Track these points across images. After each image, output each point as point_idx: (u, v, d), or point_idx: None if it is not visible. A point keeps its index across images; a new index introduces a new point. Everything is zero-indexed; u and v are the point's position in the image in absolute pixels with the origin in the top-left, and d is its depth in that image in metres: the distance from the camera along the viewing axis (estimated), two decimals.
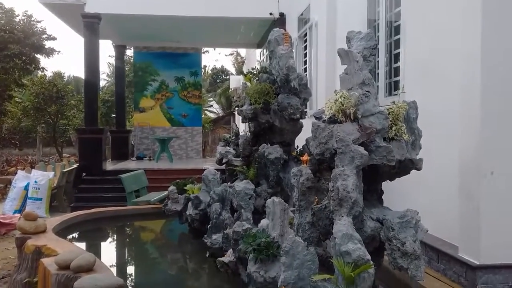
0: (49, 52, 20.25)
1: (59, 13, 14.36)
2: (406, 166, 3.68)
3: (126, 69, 22.48)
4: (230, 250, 4.85)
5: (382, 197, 3.96)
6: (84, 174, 12.88)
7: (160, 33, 16.50)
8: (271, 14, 13.45)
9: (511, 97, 4.21)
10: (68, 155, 25.00)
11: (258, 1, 13.31)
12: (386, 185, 3.97)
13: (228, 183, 6.50)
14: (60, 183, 12.25)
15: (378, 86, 6.43)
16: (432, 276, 4.55)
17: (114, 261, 6.06)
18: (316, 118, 4.18)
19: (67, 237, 6.70)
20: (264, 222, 4.27)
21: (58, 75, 27.20)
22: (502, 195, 4.15)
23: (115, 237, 7.85)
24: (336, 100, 3.67)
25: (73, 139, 26.35)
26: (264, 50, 17.01)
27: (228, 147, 7.45)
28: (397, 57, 6.44)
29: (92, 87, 13.49)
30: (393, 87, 6.62)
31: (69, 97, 22.49)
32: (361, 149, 3.46)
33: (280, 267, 3.45)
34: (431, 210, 4.74)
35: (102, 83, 29.77)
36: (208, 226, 5.86)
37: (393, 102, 3.86)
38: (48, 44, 20.29)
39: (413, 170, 3.74)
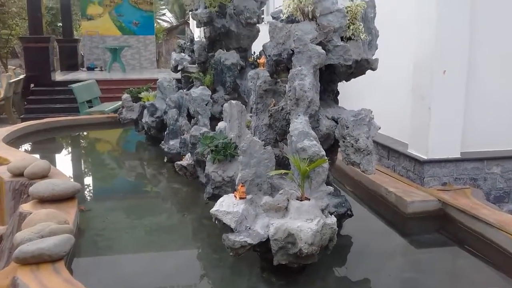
0: None
1: None
2: (362, 66, 3.69)
3: None
4: (188, 154, 4.89)
5: (338, 97, 4.02)
6: (33, 85, 12.38)
7: None
8: None
9: (465, 2, 4.21)
10: (14, 67, 23.78)
11: None
12: (341, 85, 4.01)
13: (184, 90, 6.42)
14: (7, 95, 11.77)
15: None
16: (382, 172, 4.78)
17: (70, 170, 6.00)
18: (274, 18, 4.08)
19: (19, 147, 6.54)
20: (221, 124, 4.28)
21: None
22: (452, 93, 4.29)
23: (69, 148, 7.74)
24: None
25: (17, 50, 24.93)
26: None
27: (183, 54, 7.25)
28: None
29: None
30: None
31: (10, 4, 20.92)
32: (319, 48, 3.42)
33: (238, 166, 3.51)
34: (385, 110, 4.88)
35: None
36: (165, 133, 5.84)
37: (351, 1, 3.78)
38: None
39: (368, 70, 3.77)
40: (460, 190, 4.27)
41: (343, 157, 3.46)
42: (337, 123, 3.54)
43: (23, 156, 5.26)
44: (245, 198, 3.13)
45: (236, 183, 3.40)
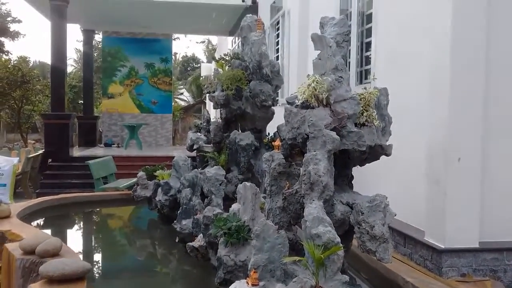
0: (14, 35, 19.72)
1: None
2: (376, 152, 3.73)
3: (95, 54, 22.02)
4: (200, 235, 4.84)
5: (352, 182, 4.02)
6: (50, 160, 12.60)
7: (130, 18, 16.17)
8: (243, 1, 13.40)
9: (478, 88, 4.31)
10: (33, 141, 24.39)
11: None
12: (356, 170, 4.02)
13: (199, 169, 6.48)
14: (25, 169, 11.94)
15: (349, 74, 6.50)
16: (399, 260, 4.65)
17: (81, 247, 5.96)
18: (289, 103, 4.19)
19: (32, 223, 6.55)
20: (235, 206, 4.27)
21: (23, 59, 26.37)
22: (467, 181, 4.26)
23: (82, 224, 7.73)
24: (309, 85, 3.68)
25: (38, 125, 25.72)
26: (236, 38, 16.94)
27: (199, 133, 7.40)
28: (368, 45, 6.50)
29: (59, 72, 13.15)
30: (364, 75, 6.69)
31: (34, 82, 21.89)
32: (333, 134, 3.48)
33: (251, 251, 3.46)
34: (399, 195, 4.83)
35: (69, 69, 29.09)
36: (178, 212, 5.83)
37: (365, 89, 3.90)
38: (13, 27, 19.68)
39: (382, 155, 3.80)
40: (480, 282, 4.11)
41: (359, 244, 3.39)
42: (352, 209, 3.51)
43: (36, 233, 5.25)
44: (258, 285, 3.05)
45: (249, 268, 3.33)
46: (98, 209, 8.29)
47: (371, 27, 6.34)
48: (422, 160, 4.69)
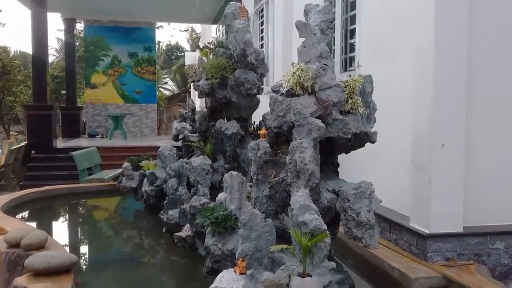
0: None
1: None
2: (361, 139, 3.75)
3: (77, 43, 21.68)
4: (187, 225, 4.84)
5: (338, 169, 4.04)
6: (34, 152, 12.46)
7: (112, 6, 15.96)
8: None
9: (461, 73, 4.34)
10: (16, 132, 24.05)
11: None
12: (342, 158, 4.04)
13: (185, 159, 6.45)
14: (8, 161, 11.82)
15: (334, 62, 6.50)
16: (385, 245, 4.70)
17: (67, 240, 5.92)
18: (274, 91, 4.19)
19: (17, 216, 6.48)
20: (221, 195, 4.27)
21: (3, 49, 25.90)
22: (452, 166, 4.31)
23: (67, 216, 7.67)
24: (293, 73, 3.67)
25: (20, 116, 25.34)
26: (220, 26, 16.81)
27: (184, 123, 7.37)
28: (352, 33, 6.50)
29: (40, 62, 12.95)
30: (348, 63, 6.70)
31: (15, 73, 21.53)
32: (318, 121, 3.49)
33: (238, 239, 3.47)
34: (385, 182, 4.88)
35: (51, 58, 28.64)
36: (165, 202, 5.81)
37: (349, 76, 3.91)
38: None
39: (368, 142, 3.82)
40: (465, 266, 4.18)
41: (345, 231, 3.42)
42: (338, 196, 3.53)
43: (21, 226, 5.20)
44: (245, 273, 3.06)
45: (236, 257, 3.34)
46: (83, 201, 8.23)
47: (355, 14, 6.34)
48: (407, 146, 4.72)
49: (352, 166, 4.78)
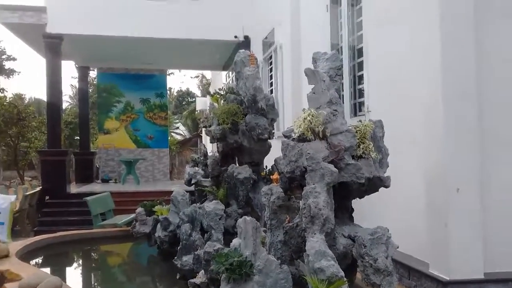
0: (9, 73, 19.81)
1: (19, 33, 14.04)
2: (374, 184, 3.75)
3: (90, 90, 22.11)
4: (202, 271, 4.77)
5: (353, 214, 4.01)
6: (48, 197, 12.51)
7: (124, 55, 16.35)
8: (235, 37, 13.61)
9: (472, 117, 4.36)
10: (30, 178, 24.23)
11: (223, 25, 13.42)
12: (356, 202, 4.02)
13: (198, 204, 6.44)
14: (22, 207, 11.83)
15: (344, 108, 6.56)
16: None
17: (81, 286, 5.86)
18: (285, 136, 4.22)
19: (31, 261, 6.45)
20: (235, 241, 4.22)
21: (18, 97, 26.52)
22: (468, 210, 4.25)
23: (81, 261, 7.61)
24: (304, 118, 3.72)
25: (35, 162, 25.58)
26: (230, 73, 17.13)
27: (196, 168, 7.39)
28: (360, 79, 6.59)
29: (55, 109, 13.20)
30: (358, 108, 6.76)
31: (30, 119, 21.89)
32: (331, 166, 3.50)
33: (253, 286, 3.42)
34: (401, 227, 4.81)
35: (64, 105, 29.16)
36: (178, 248, 5.75)
37: (360, 121, 3.94)
38: (8, 64, 19.81)
39: (381, 187, 3.81)
40: None
41: (362, 277, 3.37)
42: (354, 242, 3.50)
43: (35, 272, 5.17)
44: None
45: None
46: (97, 246, 8.18)
47: (362, 61, 6.44)
48: (421, 191, 4.69)
49: (367, 210, 4.74)
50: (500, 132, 4.52)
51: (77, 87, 19.56)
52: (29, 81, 59.56)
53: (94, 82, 23.54)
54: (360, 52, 6.59)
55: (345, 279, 3.05)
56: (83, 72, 18.25)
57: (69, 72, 32.52)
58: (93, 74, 24.12)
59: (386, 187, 3.78)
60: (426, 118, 4.63)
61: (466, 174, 4.27)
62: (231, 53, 14.66)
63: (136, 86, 18.64)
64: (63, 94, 15.96)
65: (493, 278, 4.30)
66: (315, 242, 3.26)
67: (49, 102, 13.26)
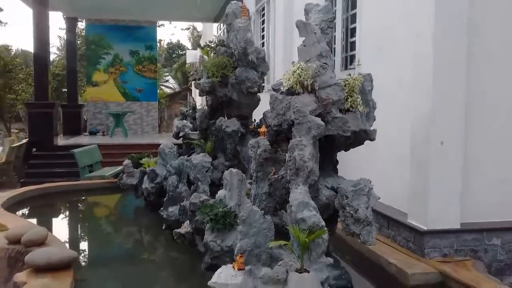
0: None
1: None
2: (360, 137, 3.78)
3: (78, 42, 21.67)
4: (187, 222, 4.87)
5: (337, 167, 4.06)
6: (35, 149, 12.46)
7: (113, 5, 15.94)
8: None
9: (460, 72, 4.36)
10: (17, 130, 24.09)
11: None
12: (341, 155, 4.06)
13: (185, 157, 6.48)
14: (9, 159, 11.83)
15: (334, 60, 6.51)
16: (383, 242, 4.73)
17: (67, 236, 5.94)
18: (274, 90, 4.20)
19: (17, 212, 6.51)
20: (221, 193, 4.30)
21: (5, 48, 25.98)
22: (449, 163, 4.33)
23: (67, 212, 7.69)
24: (294, 71, 3.70)
25: (22, 114, 25.37)
26: (222, 25, 16.82)
27: (185, 121, 7.40)
28: (353, 31, 6.52)
29: (42, 60, 12.94)
30: (349, 61, 6.72)
31: (17, 71, 21.55)
32: (318, 119, 3.51)
33: (237, 236, 3.50)
34: (384, 179, 4.90)
35: (52, 57, 28.65)
36: (165, 199, 5.84)
37: (349, 75, 3.93)
38: None
39: (367, 140, 3.84)
40: (461, 262, 4.21)
41: (343, 227, 3.45)
42: (337, 193, 3.56)
43: (21, 222, 5.23)
44: (244, 269, 3.09)
45: (235, 253, 3.37)
46: (83, 198, 8.26)
47: (356, 13, 6.35)
48: (406, 144, 4.75)
49: (351, 163, 4.81)
50: (487, 87, 4.55)
51: (65, 38, 19.15)
52: (15, 32, 58.20)
53: (82, 33, 23.08)
54: (354, 4, 6.48)
55: (325, 228, 3.13)
56: (71, 23, 17.83)
57: (56, 23, 31.86)
58: (81, 25, 23.63)
59: (372, 140, 3.81)
60: (415, 72, 4.63)
61: (450, 128, 4.32)
62: (223, 4, 14.32)
63: (125, 38, 18.29)
64: (50, 46, 15.62)
65: (469, 228, 4.44)
66: (298, 194, 3.32)
67: (36, 54, 13.00)
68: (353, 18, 6.50)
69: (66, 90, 19.94)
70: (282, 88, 3.91)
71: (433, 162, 4.31)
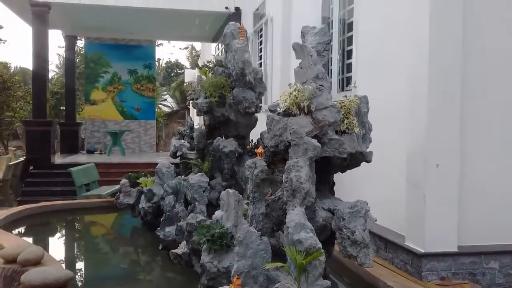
0: None
1: (5, 1, 13.73)
2: (356, 158, 3.81)
3: (77, 60, 21.80)
4: (184, 242, 4.86)
5: (334, 188, 4.08)
6: (32, 167, 12.44)
7: (112, 24, 16.08)
8: (226, 8, 13.46)
9: (455, 93, 4.42)
10: (14, 148, 24.05)
11: None
12: (337, 177, 4.09)
13: (182, 176, 6.50)
14: (6, 177, 11.82)
15: (331, 82, 6.57)
16: (380, 264, 4.72)
17: (63, 256, 5.92)
18: (271, 111, 4.25)
19: (14, 231, 6.49)
20: (218, 213, 4.31)
21: (4, 65, 26.07)
22: (446, 185, 4.36)
23: (64, 232, 7.67)
24: (290, 93, 3.74)
25: (19, 132, 25.35)
26: (220, 45, 16.97)
27: (182, 140, 7.43)
28: (349, 53, 6.60)
29: (41, 78, 13.01)
30: (345, 83, 6.79)
31: (15, 88, 21.58)
32: (314, 141, 3.54)
33: (234, 257, 3.50)
34: (380, 201, 4.91)
35: (51, 75, 28.78)
36: (161, 219, 5.83)
37: (345, 97, 3.98)
38: None
39: (363, 162, 3.87)
40: (459, 285, 4.21)
41: (340, 249, 3.45)
42: (334, 215, 3.57)
43: (17, 242, 5.21)
44: None
45: (232, 274, 3.37)
46: (80, 217, 8.24)
47: (352, 36, 6.44)
48: (402, 165, 4.78)
49: (348, 184, 4.83)
50: (482, 108, 4.60)
51: (64, 56, 19.25)
52: (15, 50, 58.51)
53: (82, 52, 23.20)
54: (350, 27, 6.58)
55: (322, 250, 3.13)
56: (70, 42, 17.95)
57: (56, 41, 32.09)
58: (80, 43, 23.78)
59: (368, 162, 3.84)
60: (410, 94, 4.69)
61: (446, 149, 4.36)
62: (221, 25, 14.49)
63: (124, 56, 18.41)
64: (49, 64, 15.71)
65: (466, 251, 4.44)
66: (295, 215, 3.33)
67: (35, 72, 13.07)
68: (350, 40, 6.59)
69: (64, 108, 19.98)
70: (279, 109, 3.95)
71: (429, 183, 4.34)
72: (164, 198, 6.07)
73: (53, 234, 7.34)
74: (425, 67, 4.42)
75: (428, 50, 4.39)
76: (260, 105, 6.38)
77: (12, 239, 5.44)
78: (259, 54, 11.81)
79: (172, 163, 7.06)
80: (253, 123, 6.35)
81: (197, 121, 13.74)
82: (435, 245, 4.33)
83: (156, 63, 27.76)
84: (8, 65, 28.20)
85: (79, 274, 5.16)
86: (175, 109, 32.90)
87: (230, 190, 4.18)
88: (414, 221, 4.52)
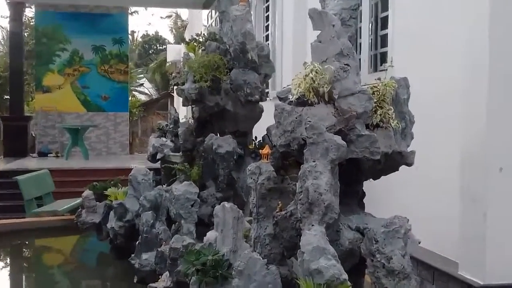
0: None
1: None
2: (394, 160, 3.80)
3: (25, 34, 21.90)
4: (166, 273, 4.87)
5: (364, 200, 4.08)
6: None
7: None
8: None
9: None
10: None
11: None
12: (368, 185, 4.09)
13: (164, 186, 6.51)
14: None
15: (360, 59, 6.57)
16: None
17: None
18: (281, 98, 4.25)
19: None
20: (211, 235, 4.31)
21: None
22: None
23: (8, 260, 7.70)
24: (306, 75, 3.75)
25: None
26: (213, 12, 17.00)
27: (164, 139, 7.45)
28: (385, 22, 6.60)
29: None
30: (379, 61, 6.79)
31: None
32: (338, 138, 3.54)
33: None
34: (426, 217, 4.92)
35: None
36: (137, 243, 5.85)
37: (379, 79, 3.98)
38: None
39: (402, 165, 3.87)
40: None
41: (372, 281, 3.46)
42: (363, 236, 3.57)
43: None
44: None
45: None
46: (30, 241, 8.27)
47: None
48: (454, 171, 4.77)
49: (382, 195, 4.83)
50: None
51: (8, 30, 19.34)
52: None
53: (31, 23, 23.31)
54: None
55: (348, 283, 3.13)
56: (16, 10, 18.02)
57: None
58: (30, 13, 23.88)
59: (409, 165, 3.83)
60: (465, 79, 4.67)
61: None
62: None
63: (87, 29, 18.48)
64: None
65: None
66: (312, 236, 3.33)
67: None
68: (385, 4, 6.59)
69: (8, 97, 20.07)
70: (290, 97, 3.95)
71: (491, 195, 4.33)
72: (140, 215, 6.09)
73: None
74: (485, 46, 4.39)
75: (488, 25, 4.38)
76: (267, 91, 6.39)
77: None
78: (265, 24, 11.82)
79: (150, 169, 7.08)
80: (256, 115, 6.36)
81: (183, 113, 13.81)
82: (499, 275, 4.34)
83: (130, 37, 27.84)
84: None
85: None
86: (154, 97, 33.02)
87: (227, 204, 4.18)
88: (471, 244, 4.53)
